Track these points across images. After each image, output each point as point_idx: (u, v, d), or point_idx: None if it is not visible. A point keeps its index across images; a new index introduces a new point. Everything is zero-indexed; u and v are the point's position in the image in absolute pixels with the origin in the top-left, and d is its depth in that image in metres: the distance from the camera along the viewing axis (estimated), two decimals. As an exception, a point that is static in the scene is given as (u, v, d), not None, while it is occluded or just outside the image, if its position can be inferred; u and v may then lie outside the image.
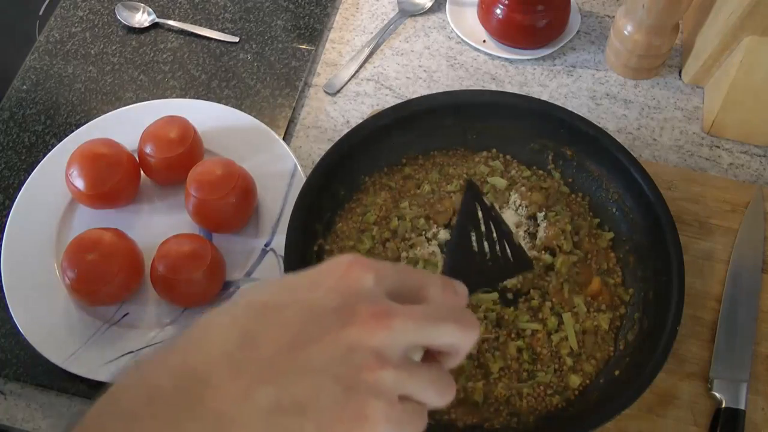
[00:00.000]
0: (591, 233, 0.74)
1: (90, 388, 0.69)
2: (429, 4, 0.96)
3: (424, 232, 0.73)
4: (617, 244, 0.73)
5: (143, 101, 0.86)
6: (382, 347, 0.36)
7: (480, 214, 0.55)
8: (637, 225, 0.72)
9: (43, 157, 0.81)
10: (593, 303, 0.70)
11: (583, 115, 0.76)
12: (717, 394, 0.66)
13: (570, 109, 0.77)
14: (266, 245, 0.75)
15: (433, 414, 0.63)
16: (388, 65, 0.92)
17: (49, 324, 0.70)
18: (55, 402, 0.70)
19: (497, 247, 0.54)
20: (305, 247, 0.70)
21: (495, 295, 0.70)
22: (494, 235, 0.54)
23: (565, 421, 0.64)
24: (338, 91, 0.89)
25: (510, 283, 0.70)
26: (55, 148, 0.81)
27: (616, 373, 0.66)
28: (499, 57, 0.91)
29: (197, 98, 0.87)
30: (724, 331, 0.70)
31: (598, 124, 0.76)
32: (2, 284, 0.73)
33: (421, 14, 0.96)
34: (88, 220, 0.77)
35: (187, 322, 0.71)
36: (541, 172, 0.78)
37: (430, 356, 0.41)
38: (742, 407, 0.65)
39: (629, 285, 0.71)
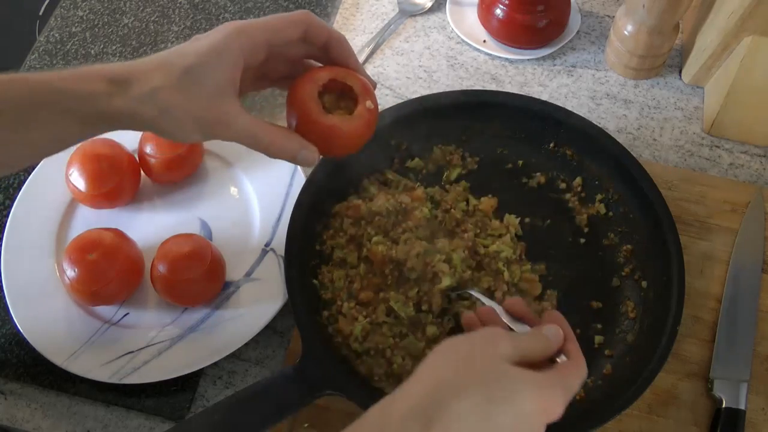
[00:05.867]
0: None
1: (90, 388, 0.69)
2: (429, 4, 0.96)
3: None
4: (616, 245, 0.73)
5: (143, 101, 0.86)
6: None
7: None
8: (637, 225, 0.72)
9: (43, 156, 0.81)
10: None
11: (583, 115, 0.76)
12: (717, 394, 0.66)
13: (570, 109, 0.77)
14: (266, 245, 0.75)
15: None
16: (388, 65, 0.92)
17: (49, 324, 0.70)
18: (55, 402, 0.70)
19: None
20: (305, 247, 0.70)
21: None
22: None
23: (565, 422, 0.64)
24: (338, 91, 0.89)
25: None
26: (55, 148, 0.81)
27: (616, 373, 0.66)
28: (499, 57, 0.91)
29: (197, 98, 0.87)
30: (724, 331, 0.70)
31: (598, 124, 0.76)
32: (2, 284, 0.73)
33: (421, 14, 0.96)
34: (88, 220, 0.77)
35: (187, 322, 0.71)
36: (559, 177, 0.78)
37: None
38: (742, 407, 0.65)
39: (629, 285, 0.71)
